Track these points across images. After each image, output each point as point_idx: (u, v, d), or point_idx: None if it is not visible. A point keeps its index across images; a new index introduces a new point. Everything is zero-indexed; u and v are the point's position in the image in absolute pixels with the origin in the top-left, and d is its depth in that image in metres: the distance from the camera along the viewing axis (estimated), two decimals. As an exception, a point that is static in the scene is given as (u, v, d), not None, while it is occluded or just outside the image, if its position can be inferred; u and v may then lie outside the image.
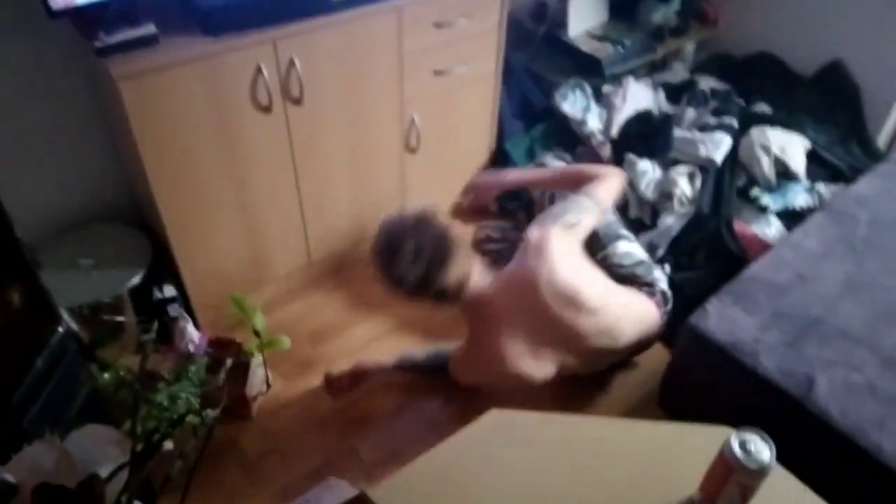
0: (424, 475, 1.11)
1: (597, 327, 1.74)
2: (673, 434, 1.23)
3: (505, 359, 1.72)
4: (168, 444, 0.70)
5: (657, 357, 2.11)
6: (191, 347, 1.98)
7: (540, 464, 1.14)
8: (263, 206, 2.06)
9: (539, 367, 1.77)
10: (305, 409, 1.99)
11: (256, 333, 1.95)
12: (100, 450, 0.69)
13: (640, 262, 1.91)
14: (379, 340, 2.19)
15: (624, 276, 1.87)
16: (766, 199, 2.31)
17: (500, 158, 2.54)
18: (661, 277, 1.95)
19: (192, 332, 2.00)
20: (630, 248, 1.92)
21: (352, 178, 2.22)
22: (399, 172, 2.34)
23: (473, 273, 1.74)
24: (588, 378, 2.02)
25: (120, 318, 2.03)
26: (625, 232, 1.95)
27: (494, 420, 1.22)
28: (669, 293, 1.94)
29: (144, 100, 1.65)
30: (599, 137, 2.45)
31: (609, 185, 1.85)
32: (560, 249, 1.69)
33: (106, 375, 1.98)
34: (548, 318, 1.70)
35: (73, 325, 1.98)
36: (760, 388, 1.54)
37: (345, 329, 2.22)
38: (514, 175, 2.11)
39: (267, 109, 1.86)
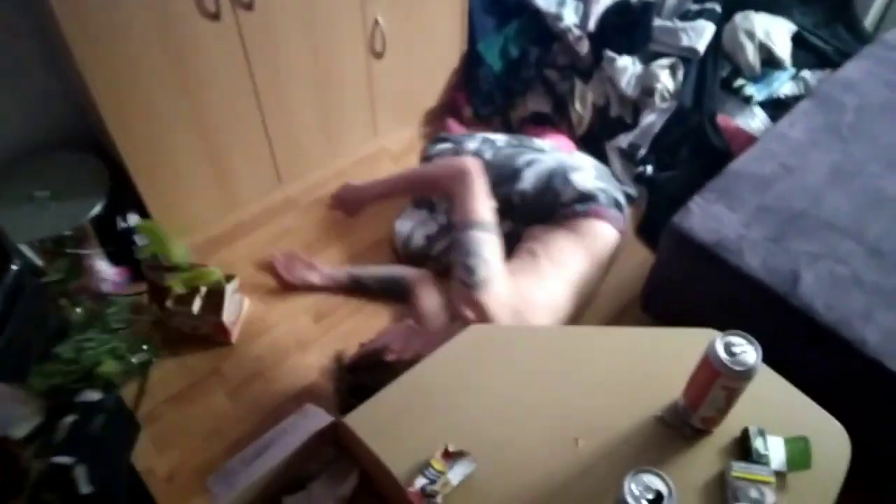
0: (401, 397, 1.08)
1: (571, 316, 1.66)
2: (655, 338, 1.21)
3: None
4: (93, 395, 0.64)
5: (638, 259, 2.08)
6: (104, 287, 1.88)
7: (520, 377, 1.11)
8: (223, 124, 1.94)
9: None
10: (286, 333, 1.96)
11: (175, 268, 1.85)
12: (8, 410, 0.64)
13: (594, 195, 1.72)
14: (353, 260, 2.14)
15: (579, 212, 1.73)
16: (751, 90, 2.22)
17: (472, 61, 2.41)
18: (609, 188, 1.76)
19: (104, 270, 1.90)
20: (581, 182, 1.74)
21: (316, 90, 2.09)
22: (366, 81, 2.21)
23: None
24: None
25: (85, 251, 1.95)
26: (571, 163, 1.80)
27: (473, 336, 1.18)
28: (623, 198, 1.79)
29: (78, 10, 1.51)
30: (576, 32, 2.31)
31: (473, 194, 1.61)
32: (497, 315, 1.49)
33: (78, 310, 1.94)
34: None
35: (37, 261, 1.90)
36: (745, 285, 1.51)
37: (320, 251, 2.16)
38: (377, 188, 1.93)
39: (215, 17, 1.72)
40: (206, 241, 2.18)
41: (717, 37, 2.28)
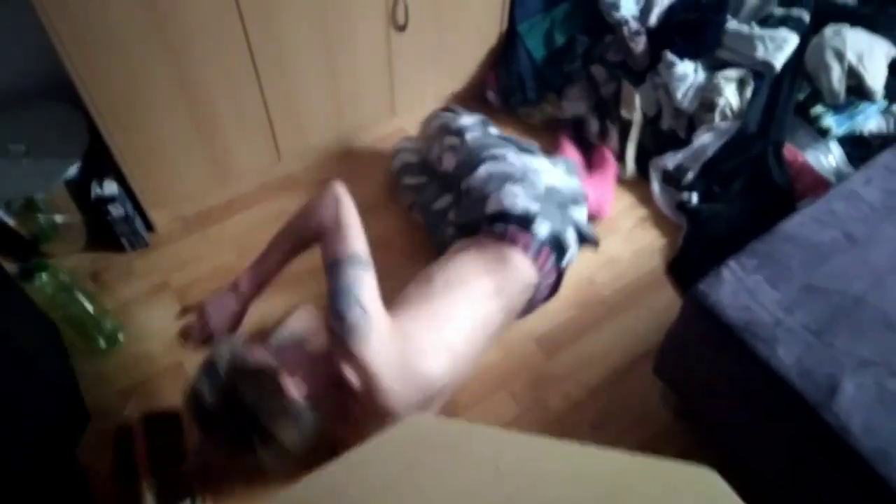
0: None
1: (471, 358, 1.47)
2: (633, 470, 0.97)
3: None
4: None
5: (662, 302, 1.84)
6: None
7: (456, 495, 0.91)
8: (213, 89, 1.74)
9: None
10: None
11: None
12: None
13: (518, 217, 1.52)
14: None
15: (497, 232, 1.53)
16: (830, 120, 1.88)
17: (511, 44, 2.12)
18: (552, 219, 1.55)
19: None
20: (509, 197, 1.54)
21: (326, 62, 1.86)
22: (384, 55, 1.96)
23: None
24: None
25: (58, 217, 1.81)
26: (525, 175, 1.58)
27: (405, 433, 0.98)
28: (571, 238, 1.58)
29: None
30: (633, 26, 1.99)
31: (342, 231, 1.33)
32: (380, 368, 1.25)
33: (44, 276, 1.81)
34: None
35: (8, 220, 1.77)
36: (771, 384, 1.25)
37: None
38: (247, 284, 1.47)
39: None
40: (195, 215, 2.02)
41: (800, 52, 1.93)
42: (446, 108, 1.94)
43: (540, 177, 1.60)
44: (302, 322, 1.65)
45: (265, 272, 1.47)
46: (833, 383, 1.22)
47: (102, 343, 1.73)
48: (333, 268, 1.30)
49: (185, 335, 1.56)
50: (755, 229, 1.48)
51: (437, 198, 1.83)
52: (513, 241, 1.49)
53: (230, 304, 1.46)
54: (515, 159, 1.64)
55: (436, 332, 1.37)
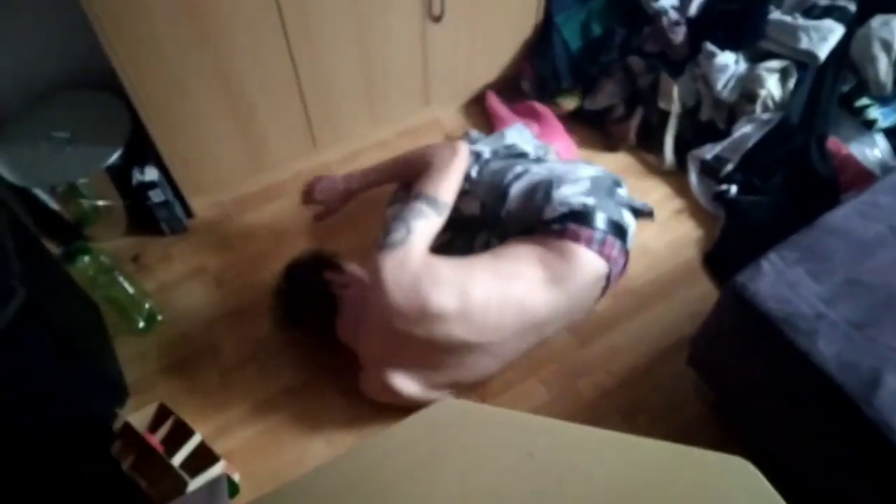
0: (344, 479, 0.91)
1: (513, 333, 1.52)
2: (666, 457, 0.96)
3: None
4: None
5: (697, 293, 1.81)
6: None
7: (486, 479, 0.91)
8: (249, 78, 1.75)
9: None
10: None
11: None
12: None
13: (577, 213, 1.52)
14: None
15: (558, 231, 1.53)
16: (876, 112, 1.83)
17: (546, 34, 2.10)
18: (603, 205, 1.55)
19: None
20: (564, 196, 1.54)
21: (361, 51, 1.86)
22: (419, 45, 1.96)
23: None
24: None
25: (100, 202, 1.85)
26: (563, 173, 1.58)
27: (439, 415, 0.98)
28: (626, 218, 1.59)
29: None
30: (673, 16, 1.96)
31: (444, 173, 1.56)
32: (390, 277, 1.42)
33: (86, 258, 1.86)
34: (423, 343, 1.46)
35: (53, 205, 1.82)
36: (811, 377, 1.23)
37: (349, 228, 1.97)
38: (356, 179, 1.81)
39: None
40: (233, 202, 2.05)
41: (845, 43, 1.88)
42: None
43: (578, 172, 1.59)
44: None
45: (371, 180, 1.77)
46: (875, 377, 1.19)
47: (142, 324, 1.77)
48: (413, 199, 1.51)
49: (304, 196, 1.85)
50: (796, 222, 1.45)
51: (470, 244, 1.72)
52: (575, 238, 1.48)
53: (339, 184, 1.80)
54: (538, 167, 1.62)
55: (458, 275, 1.45)
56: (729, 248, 1.86)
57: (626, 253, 1.59)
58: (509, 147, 1.75)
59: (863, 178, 1.79)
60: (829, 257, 1.36)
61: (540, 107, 2.14)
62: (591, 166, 1.66)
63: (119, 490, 1.45)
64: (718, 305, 1.44)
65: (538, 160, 1.70)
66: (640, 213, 1.67)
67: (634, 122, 2.06)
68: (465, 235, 1.72)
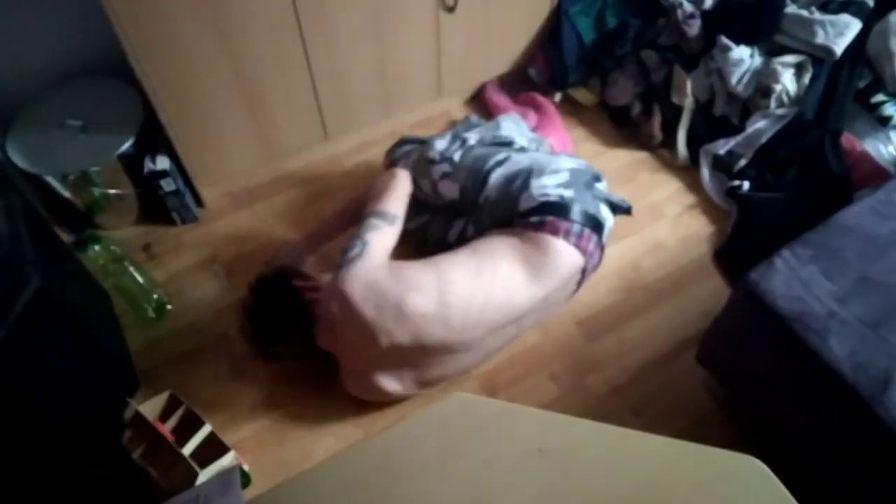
0: (352, 471, 0.91)
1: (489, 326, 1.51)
2: (678, 455, 0.96)
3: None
4: None
5: (708, 289, 1.81)
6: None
7: (498, 473, 0.91)
8: (263, 69, 1.75)
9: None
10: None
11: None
12: None
13: (553, 205, 1.52)
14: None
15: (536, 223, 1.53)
16: (891, 109, 1.81)
17: (559, 26, 2.08)
18: (580, 198, 1.54)
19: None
20: (541, 187, 1.54)
21: (374, 42, 1.85)
22: (433, 36, 1.95)
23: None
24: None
25: (112, 191, 1.86)
26: (544, 164, 1.58)
27: (449, 409, 0.98)
28: (603, 213, 1.58)
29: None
30: (688, 9, 1.94)
31: (388, 190, 1.59)
32: (356, 292, 1.40)
33: (97, 247, 1.87)
34: (405, 347, 1.44)
35: (65, 193, 1.82)
36: (822, 376, 1.22)
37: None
38: (313, 238, 1.81)
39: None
40: (244, 191, 2.05)
41: (862, 38, 1.86)
42: (404, 141, 1.89)
43: (559, 164, 1.59)
44: None
45: (327, 233, 1.78)
46: (887, 377, 1.19)
47: (152, 312, 1.77)
48: (363, 220, 1.52)
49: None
50: (809, 219, 1.45)
51: (447, 229, 1.74)
52: (553, 232, 1.48)
53: (296, 251, 1.77)
54: (519, 156, 1.62)
55: (432, 276, 1.44)
56: (740, 245, 1.85)
57: (601, 247, 1.59)
58: (498, 136, 1.75)
59: (877, 175, 1.77)
60: (842, 255, 1.35)
61: (541, 98, 2.14)
62: (573, 159, 1.65)
63: (129, 479, 1.46)
64: (730, 302, 1.43)
65: (521, 149, 1.70)
66: (619, 208, 1.66)
67: (657, 119, 2.04)
68: (441, 219, 1.75)
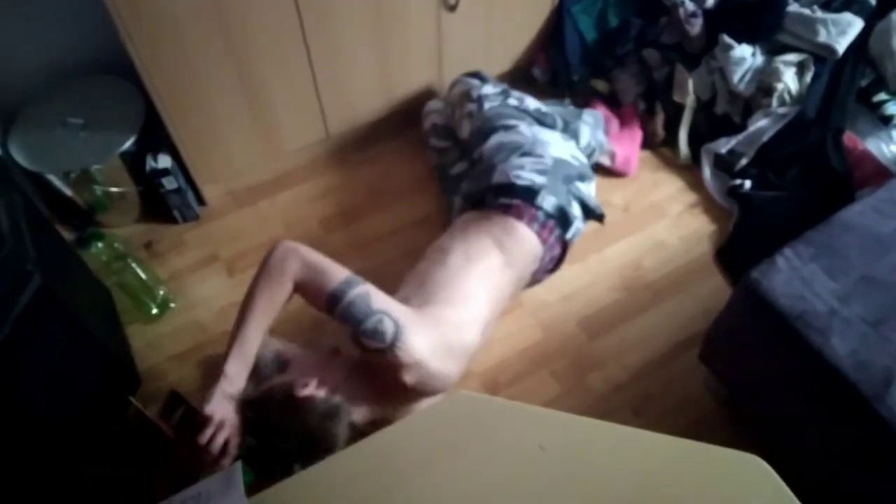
0: (354, 470, 0.91)
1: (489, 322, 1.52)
2: (681, 453, 0.96)
3: None
4: None
5: (709, 288, 1.81)
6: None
7: (498, 471, 0.91)
8: (265, 68, 1.75)
9: None
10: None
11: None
12: None
13: (523, 189, 1.52)
14: (395, 235, 1.95)
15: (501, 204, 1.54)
16: (894, 108, 1.81)
17: (561, 25, 2.08)
18: (551, 198, 1.53)
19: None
20: (513, 169, 1.56)
21: (375, 40, 1.85)
22: (434, 35, 1.94)
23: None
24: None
25: (113, 189, 1.86)
26: (537, 147, 1.60)
27: (449, 408, 0.99)
28: (575, 210, 1.58)
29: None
30: (690, 7, 1.94)
31: (314, 267, 1.27)
32: (424, 355, 1.28)
33: (99, 245, 1.86)
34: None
35: (67, 191, 1.83)
36: (824, 375, 1.22)
37: (359, 218, 1.98)
38: (235, 370, 1.26)
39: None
40: (245, 190, 2.05)
41: (864, 37, 1.86)
42: (472, 74, 1.93)
43: (548, 149, 1.60)
44: (276, 344, 1.55)
45: (249, 353, 1.28)
46: (889, 376, 1.19)
47: (154, 310, 1.78)
48: (333, 300, 1.24)
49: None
50: (811, 218, 1.44)
51: (455, 162, 1.87)
52: (518, 215, 1.50)
53: (230, 409, 1.24)
54: (527, 130, 1.65)
55: (464, 309, 1.42)
56: (742, 244, 1.85)
57: (562, 242, 1.59)
58: (552, 115, 1.80)
59: (879, 174, 1.77)
60: (844, 254, 1.35)
61: (636, 118, 2.09)
62: (569, 149, 1.66)
63: (131, 475, 1.46)
64: (731, 301, 1.43)
65: (539, 122, 1.72)
66: (591, 213, 1.67)
67: (660, 117, 2.04)
68: (455, 151, 1.89)
